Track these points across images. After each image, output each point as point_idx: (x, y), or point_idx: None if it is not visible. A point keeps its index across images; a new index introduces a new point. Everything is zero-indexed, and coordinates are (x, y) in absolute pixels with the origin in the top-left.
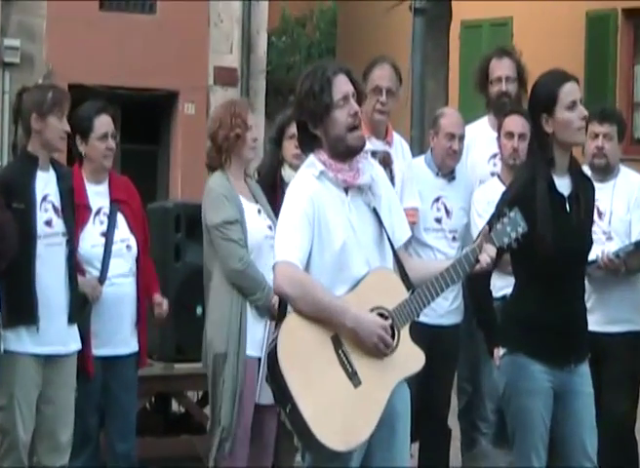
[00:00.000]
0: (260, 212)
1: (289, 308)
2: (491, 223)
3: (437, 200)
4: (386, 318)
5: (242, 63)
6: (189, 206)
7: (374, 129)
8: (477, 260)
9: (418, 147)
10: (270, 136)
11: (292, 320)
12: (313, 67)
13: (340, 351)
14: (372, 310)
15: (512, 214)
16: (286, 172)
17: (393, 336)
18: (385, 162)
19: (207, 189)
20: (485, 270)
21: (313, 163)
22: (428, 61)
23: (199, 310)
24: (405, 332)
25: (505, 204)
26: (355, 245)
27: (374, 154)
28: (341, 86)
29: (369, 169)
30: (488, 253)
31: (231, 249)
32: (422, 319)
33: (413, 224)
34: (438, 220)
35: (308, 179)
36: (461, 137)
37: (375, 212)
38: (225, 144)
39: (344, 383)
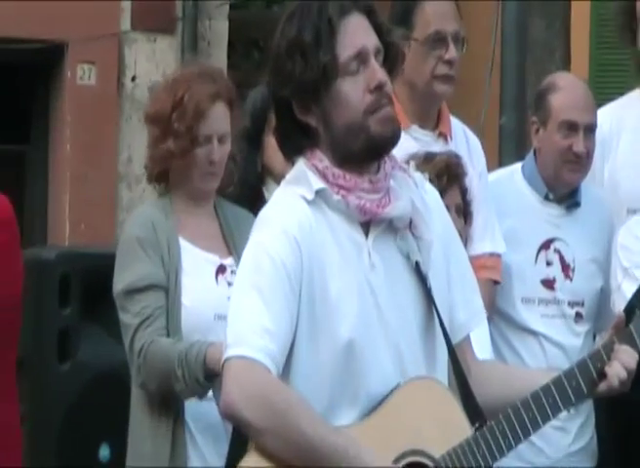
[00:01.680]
0: (224, 271)
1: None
2: (632, 307)
3: (547, 246)
4: None
5: None
6: (87, 256)
7: (421, 111)
8: (603, 374)
9: (513, 148)
10: (241, 127)
11: (251, 464)
12: (297, 4)
13: None
14: (400, 458)
15: None
16: (270, 192)
17: None
18: (452, 174)
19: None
20: (619, 392)
21: (304, 175)
22: None
23: (104, 453)
24: None
25: None
26: (378, 333)
27: (430, 158)
28: (355, 35)
29: (409, 189)
30: (623, 362)
31: (125, 334)
32: (522, 466)
33: (494, 284)
34: (548, 284)
35: (294, 206)
36: (590, 129)
37: (418, 270)
38: (173, 148)
39: None
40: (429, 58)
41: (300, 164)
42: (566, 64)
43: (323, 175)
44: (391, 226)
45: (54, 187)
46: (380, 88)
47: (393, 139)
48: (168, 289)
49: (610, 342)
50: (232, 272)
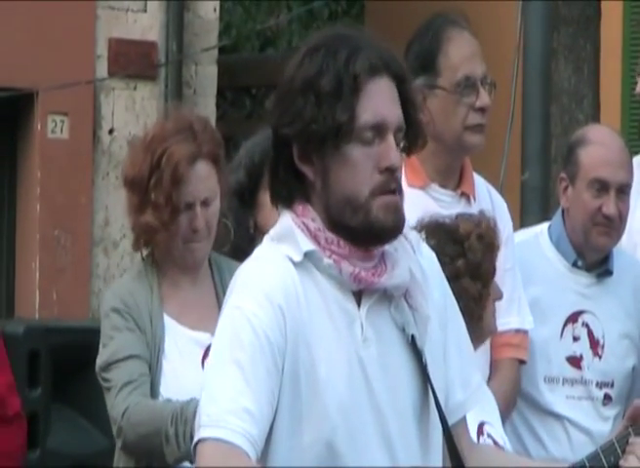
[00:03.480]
0: None
1: None
2: None
3: (574, 319)
4: None
5: (168, 34)
6: (59, 331)
7: (445, 167)
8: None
9: (537, 208)
10: (234, 182)
11: None
12: (326, 38)
13: None
14: None
15: None
16: None
17: None
18: (485, 242)
19: None
20: None
21: (291, 233)
22: (559, 34)
23: None
24: None
25: None
26: (368, 417)
27: (470, 220)
28: (379, 102)
29: (406, 254)
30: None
31: (107, 399)
32: None
33: (520, 363)
34: (575, 361)
35: (279, 268)
36: (623, 189)
37: (414, 344)
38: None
39: None
40: (459, 107)
41: (288, 219)
42: (595, 113)
43: (314, 237)
44: (385, 294)
45: (21, 252)
46: (390, 171)
47: (395, 231)
48: (150, 366)
49: (625, 434)
50: None
